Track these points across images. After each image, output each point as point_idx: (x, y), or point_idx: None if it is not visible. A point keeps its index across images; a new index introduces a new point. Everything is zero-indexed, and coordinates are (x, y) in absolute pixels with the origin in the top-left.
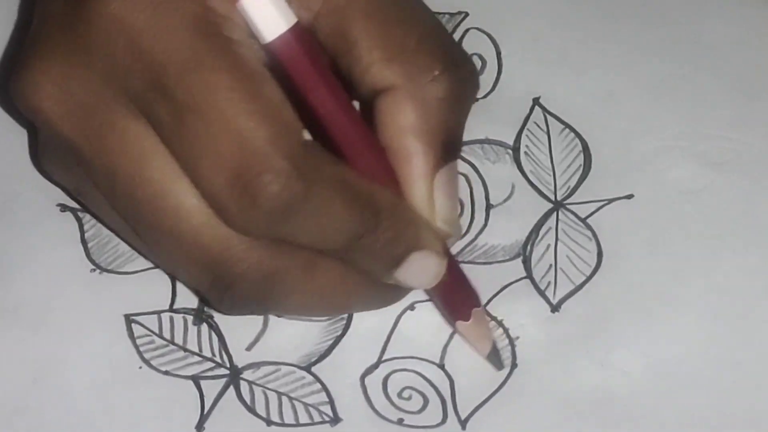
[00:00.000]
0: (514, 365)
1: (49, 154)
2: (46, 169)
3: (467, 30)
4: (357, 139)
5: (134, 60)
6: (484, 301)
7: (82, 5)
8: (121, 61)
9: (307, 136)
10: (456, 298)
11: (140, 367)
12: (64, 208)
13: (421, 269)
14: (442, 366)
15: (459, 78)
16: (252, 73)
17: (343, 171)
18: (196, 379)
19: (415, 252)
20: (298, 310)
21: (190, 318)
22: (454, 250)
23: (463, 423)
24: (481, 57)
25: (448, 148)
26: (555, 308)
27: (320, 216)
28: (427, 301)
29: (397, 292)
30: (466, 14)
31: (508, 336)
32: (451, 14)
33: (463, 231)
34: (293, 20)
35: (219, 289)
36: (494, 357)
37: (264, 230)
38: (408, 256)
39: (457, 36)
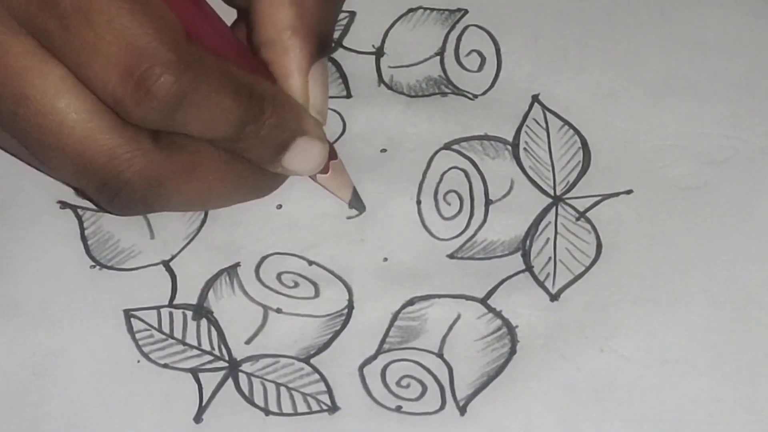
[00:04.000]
0: (512, 352)
1: None
2: None
3: (467, 27)
4: (225, 40)
5: None
6: (482, 294)
7: None
8: None
9: None
10: None
11: (138, 361)
12: (64, 205)
13: (306, 155)
14: (440, 355)
15: None
16: None
17: (225, 63)
18: (194, 372)
19: (300, 137)
20: (187, 207)
21: (189, 313)
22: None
23: (462, 409)
24: (480, 54)
25: (321, 43)
26: (554, 297)
27: (209, 105)
28: (427, 297)
29: (275, 180)
30: (466, 11)
31: (507, 324)
32: (451, 11)
33: (463, 227)
34: None
35: (107, 195)
36: (356, 201)
37: (160, 121)
38: (293, 142)
39: (456, 33)
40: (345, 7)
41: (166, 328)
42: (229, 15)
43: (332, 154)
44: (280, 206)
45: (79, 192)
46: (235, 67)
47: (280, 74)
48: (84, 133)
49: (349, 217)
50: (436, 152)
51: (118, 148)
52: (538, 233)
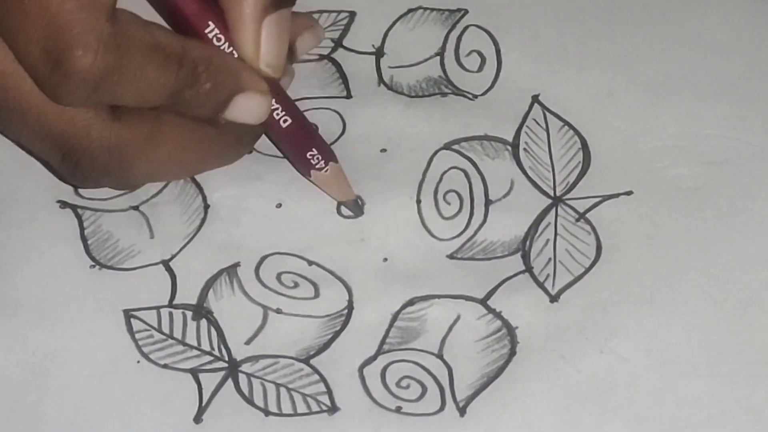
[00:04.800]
0: (512, 353)
1: None
2: None
3: (467, 27)
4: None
5: None
6: (482, 295)
7: None
8: None
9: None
10: (303, 147)
11: (138, 361)
12: (63, 204)
13: (247, 109)
14: (440, 356)
15: None
16: None
17: (154, 34)
18: (194, 372)
19: (238, 95)
20: (150, 177)
21: (189, 313)
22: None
23: (462, 410)
24: (480, 54)
25: None
26: (554, 299)
27: (135, 81)
28: (426, 297)
29: (244, 140)
30: (466, 11)
31: (507, 325)
32: (451, 11)
33: (463, 227)
34: None
35: (69, 165)
36: (355, 206)
37: (81, 101)
38: (231, 100)
39: (456, 33)
40: (345, 7)
41: (165, 329)
42: None
43: (331, 157)
44: (279, 206)
45: (50, 168)
46: (167, 36)
47: (231, 24)
48: (43, 98)
49: (344, 216)
50: (436, 152)
51: (76, 115)
52: (538, 234)
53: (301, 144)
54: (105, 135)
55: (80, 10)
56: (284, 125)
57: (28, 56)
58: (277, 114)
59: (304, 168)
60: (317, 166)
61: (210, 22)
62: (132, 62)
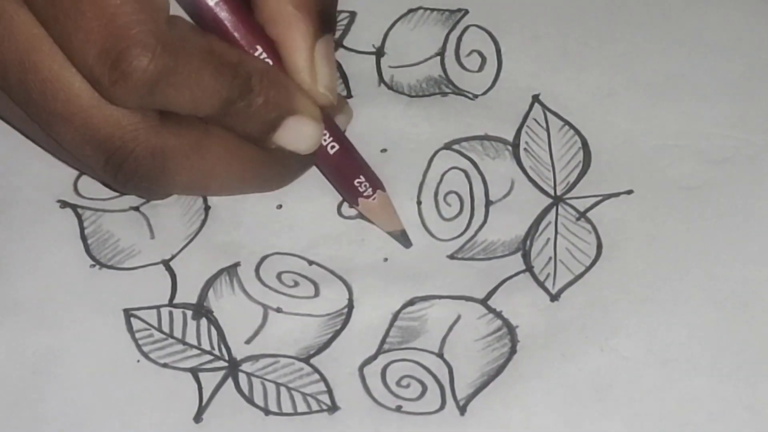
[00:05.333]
0: (513, 352)
1: None
2: None
3: (467, 27)
4: (233, 17)
5: None
6: (483, 294)
7: None
8: None
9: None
10: (351, 174)
11: (138, 361)
12: (64, 204)
13: (298, 133)
14: (441, 355)
15: None
16: None
17: (210, 42)
18: (194, 372)
19: (290, 117)
20: (191, 187)
21: (189, 312)
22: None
23: (462, 409)
24: (480, 54)
25: (325, 19)
26: (554, 297)
27: (190, 85)
28: (427, 297)
29: (290, 169)
30: (466, 11)
31: (507, 324)
32: (451, 11)
33: (464, 228)
34: None
35: (112, 168)
36: (402, 237)
37: (137, 101)
38: (283, 120)
39: (456, 33)
40: (345, 7)
41: (165, 328)
42: None
43: (379, 185)
44: (280, 206)
45: (92, 174)
46: (223, 45)
47: (285, 51)
48: (90, 101)
49: (345, 217)
50: (437, 152)
51: (123, 119)
52: (538, 233)
53: (349, 172)
54: (151, 139)
55: (139, 12)
56: (331, 151)
57: (86, 57)
58: (325, 140)
59: (351, 196)
60: (365, 194)
61: (258, 47)
62: (189, 66)
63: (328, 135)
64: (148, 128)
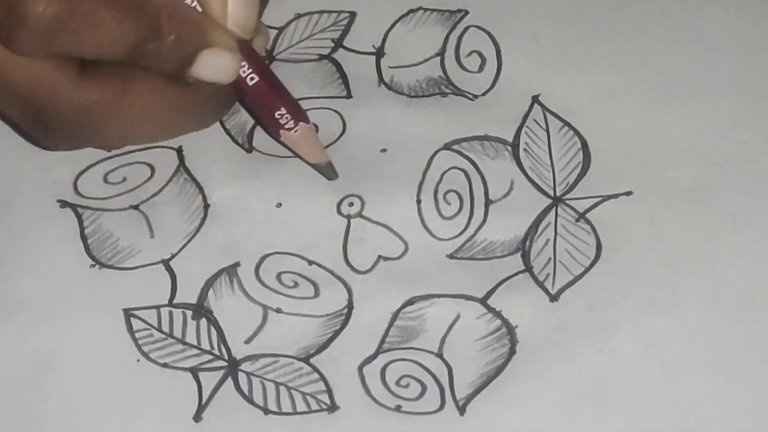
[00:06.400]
0: (512, 352)
1: None
2: None
3: (467, 27)
4: None
5: None
6: (482, 294)
7: None
8: None
9: None
10: (272, 106)
11: (138, 360)
12: (63, 204)
13: (214, 65)
14: (440, 355)
15: None
16: None
17: None
18: (194, 371)
19: (204, 50)
20: (124, 138)
21: (189, 312)
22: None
23: (461, 409)
24: (480, 54)
25: None
26: (554, 298)
27: (92, 29)
28: (426, 297)
29: (216, 101)
30: (466, 12)
31: (507, 324)
32: (451, 12)
33: (463, 227)
34: None
35: (40, 127)
36: (327, 169)
37: (40, 48)
38: (198, 55)
39: (456, 33)
40: (345, 8)
41: (165, 328)
42: None
43: (302, 117)
44: (279, 205)
45: (26, 136)
46: None
47: None
48: (7, 58)
49: (344, 216)
50: (436, 152)
51: (40, 73)
52: (537, 234)
53: (270, 103)
54: (73, 94)
55: None
56: (251, 83)
57: None
58: (244, 71)
59: (274, 129)
60: (286, 126)
61: None
62: (87, 8)
63: (246, 66)
64: (68, 81)
